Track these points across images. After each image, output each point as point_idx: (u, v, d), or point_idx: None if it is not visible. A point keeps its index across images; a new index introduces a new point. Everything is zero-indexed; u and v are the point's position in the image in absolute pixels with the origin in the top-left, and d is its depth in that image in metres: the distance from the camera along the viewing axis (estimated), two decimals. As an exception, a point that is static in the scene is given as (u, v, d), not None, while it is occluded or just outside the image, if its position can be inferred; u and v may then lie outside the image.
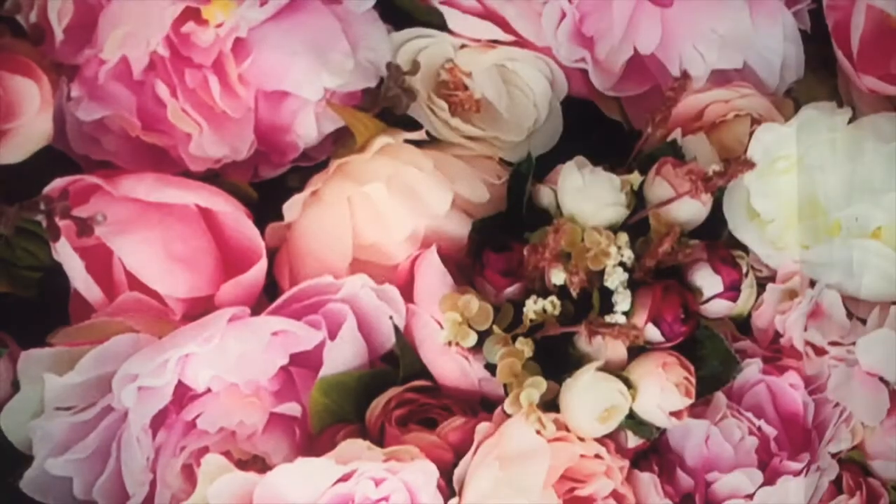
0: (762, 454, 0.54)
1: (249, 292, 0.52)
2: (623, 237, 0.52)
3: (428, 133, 0.54)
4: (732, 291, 0.54)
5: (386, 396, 0.52)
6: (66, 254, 0.51)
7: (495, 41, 0.56)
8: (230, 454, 0.51)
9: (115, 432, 0.51)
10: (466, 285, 0.52)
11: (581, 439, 0.51)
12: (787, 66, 0.57)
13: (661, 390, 0.50)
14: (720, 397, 0.54)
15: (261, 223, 0.53)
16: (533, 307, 0.51)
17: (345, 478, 0.50)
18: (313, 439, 0.52)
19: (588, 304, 0.52)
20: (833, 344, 0.55)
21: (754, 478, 0.53)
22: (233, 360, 0.51)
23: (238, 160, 0.53)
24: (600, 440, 0.51)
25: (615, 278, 0.51)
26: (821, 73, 0.57)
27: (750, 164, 0.55)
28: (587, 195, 0.52)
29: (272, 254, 0.53)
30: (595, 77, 0.56)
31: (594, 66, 0.56)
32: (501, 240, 0.53)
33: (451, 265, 0.52)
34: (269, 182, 0.53)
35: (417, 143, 0.54)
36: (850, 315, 0.56)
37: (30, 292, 0.51)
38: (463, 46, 0.56)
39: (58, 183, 0.51)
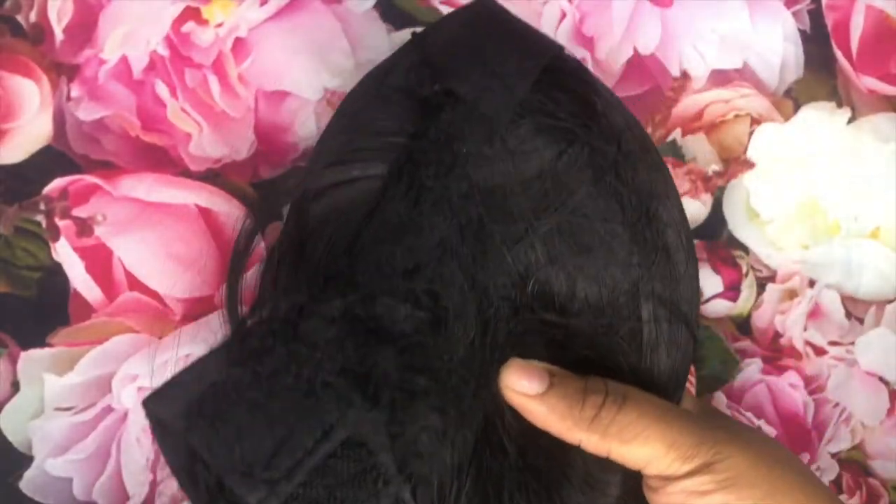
0: (762, 454, 0.54)
1: (249, 292, 0.52)
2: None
3: (428, 133, 0.54)
4: (732, 291, 0.54)
5: (386, 397, 0.51)
6: (65, 254, 0.51)
7: (495, 41, 0.56)
8: (230, 454, 0.51)
9: (114, 433, 0.51)
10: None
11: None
12: (787, 66, 0.57)
13: (662, 390, 0.50)
14: (720, 397, 0.54)
15: (261, 223, 0.53)
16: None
17: (345, 478, 0.50)
18: (313, 439, 0.52)
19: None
20: (832, 344, 0.55)
21: (754, 477, 0.53)
22: (233, 360, 0.51)
23: (238, 160, 0.53)
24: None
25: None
26: (820, 74, 0.57)
27: (750, 164, 0.55)
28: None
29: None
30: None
31: (594, 66, 0.56)
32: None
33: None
34: (269, 182, 0.53)
35: (417, 143, 0.54)
36: (848, 315, 0.56)
37: (29, 292, 0.51)
38: (463, 46, 0.56)
39: (58, 183, 0.51)
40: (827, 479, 0.55)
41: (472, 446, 0.38)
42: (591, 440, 0.38)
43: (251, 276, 0.44)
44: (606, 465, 0.39)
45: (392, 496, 0.37)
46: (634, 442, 0.37)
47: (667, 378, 0.41)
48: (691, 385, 0.51)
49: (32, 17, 0.52)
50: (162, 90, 0.52)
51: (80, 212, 0.51)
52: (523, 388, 0.38)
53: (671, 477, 0.38)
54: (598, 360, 0.40)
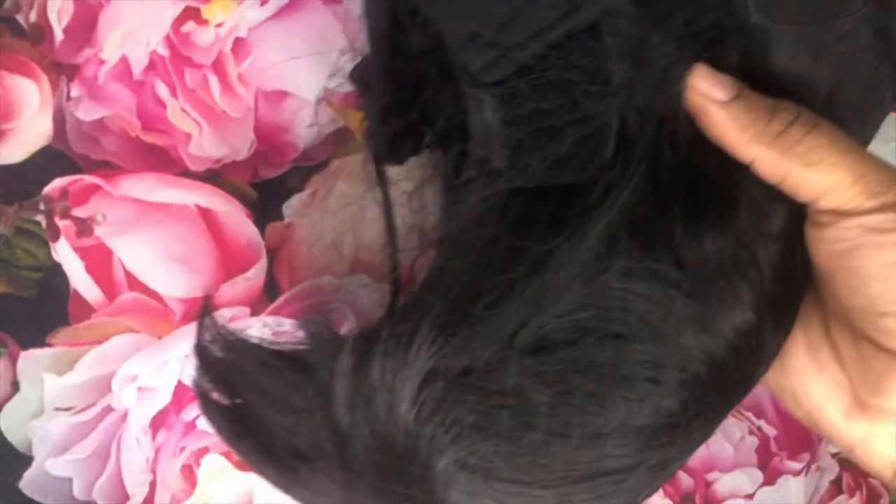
0: (762, 454, 0.54)
1: (249, 292, 0.52)
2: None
3: (428, 133, 0.54)
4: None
5: (386, 396, 0.51)
6: (65, 254, 0.51)
7: (495, 41, 0.56)
8: (230, 454, 0.51)
9: (114, 433, 0.51)
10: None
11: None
12: (787, 66, 0.57)
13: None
14: (720, 397, 0.54)
15: (261, 223, 0.53)
16: (533, 307, 0.51)
17: (345, 478, 0.50)
18: (313, 439, 0.52)
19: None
20: (833, 344, 0.55)
21: (754, 477, 0.53)
22: (233, 360, 0.51)
23: (238, 160, 0.53)
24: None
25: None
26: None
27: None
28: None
29: (272, 254, 0.53)
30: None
31: (594, 66, 0.56)
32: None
33: (452, 265, 0.52)
34: (269, 182, 0.53)
35: (417, 143, 0.54)
36: (849, 315, 0.56)
37: (29, 292, 0.51)
38: (463, 46, 0.56)
39: (57, 183, 0.51)
40: (827, 478, 0.55)
41: (656, 122, 0.35)
42: (769, 158, 0.35)
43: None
44: (774, 193, 0.37)
45: (615, 107, 0.34)
46: (819, 167, 0.35)
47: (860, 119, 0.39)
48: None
49: (32, 16, 0.52)
50: (162, 90, 0.52)
51: (80, 212, 0.51)
52: (709, 91, 0.36)
53: (850, 211, 0.35)
54: (792, 84, 0.37)
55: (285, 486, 0.39)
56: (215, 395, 0.40)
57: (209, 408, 0.40)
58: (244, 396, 0.39)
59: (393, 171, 0.42)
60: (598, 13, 0.33)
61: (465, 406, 0.35)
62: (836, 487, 0.55)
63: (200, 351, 0.40)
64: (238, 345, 0.40)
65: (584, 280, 0.35)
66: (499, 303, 0.34)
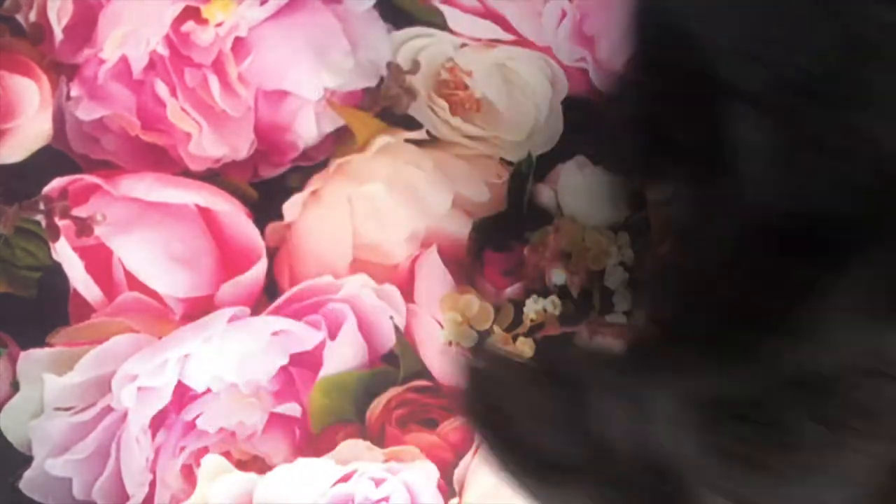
0: (763, 454, 0.54)
1: (249, 292, 0.52)
2: (624, 237, 0.52)
3: (428, 132, 0.54)
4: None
5: (386, 396, 0.52)
6: (65, 254, 0.51)
7: (496, 40, 0.56)
8: (230, 454, 0.51)
9: (114, 433, 0.51)
10: (467, 285, 0.52)
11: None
12: (788, 65, 0.57)
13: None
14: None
15: (261, 223, 0.53)
16: (533, 307, 0.51)
17: (345, 478, 0.50)
18: (313, 439, 0.52)
19: (588, 303, 0.52)
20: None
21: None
22: (233, 360, 0.51)
23: (238, 160, 0.53)
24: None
25: (616, 278, 0.51)
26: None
27: (751, 164, 0.55)
28: (587, 195, 0.52)
29: (272, 254, 0.53)
30: (596, 76, 0.56)
31: (595, 66, 0.56)
32: (502, 239, 0.53)
33: (452, 265, 0.52)
34: (269, 182, 0.53)
35: (418, 143, 0.54)
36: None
37: (29, 292, 0.51)
38: (463, 46, 0.56)
39: (57, 183, 0.51)
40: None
41: None
42: None
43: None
44: None
45: (891, 128, 0.32)
46: None
47: None
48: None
49: (32, 16, 0.52)
50: (162, 90, 0.52)
51: (80, 211, 0.51)
52: None
53: None
54: None
55: (543, 498, 0.39)
56: (483, 409, 0.41)
57: (478, 422, 0.41)
58: (508, 410, 0.40)
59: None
60: (872, 29, 0.32)
61: (727, 433, 0.34)
62: (837, 488, 0.55)
63: (470, 370, 0.41)
64: (504, 361, 0.41)
65: (856, 316, 0.34)
66: (769, 332, 0.33)
